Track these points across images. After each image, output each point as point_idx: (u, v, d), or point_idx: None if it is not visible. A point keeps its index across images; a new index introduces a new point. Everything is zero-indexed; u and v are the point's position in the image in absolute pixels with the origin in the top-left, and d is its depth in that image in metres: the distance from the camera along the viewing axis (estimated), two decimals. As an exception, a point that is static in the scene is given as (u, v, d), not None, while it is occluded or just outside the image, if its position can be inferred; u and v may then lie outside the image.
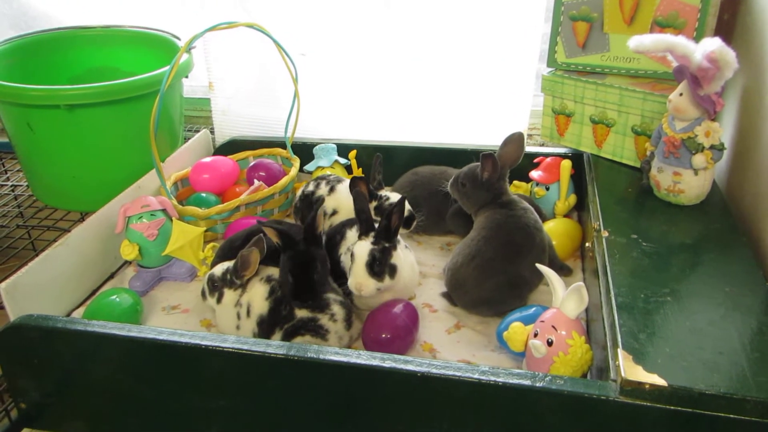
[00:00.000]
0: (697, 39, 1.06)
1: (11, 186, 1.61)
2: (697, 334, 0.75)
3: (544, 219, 1.17)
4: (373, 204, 1.17)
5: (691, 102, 0.99)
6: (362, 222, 1.00)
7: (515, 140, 1.12)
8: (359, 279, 0.96)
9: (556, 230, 1.17)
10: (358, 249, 0.97)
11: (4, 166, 1.72)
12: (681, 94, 1.00)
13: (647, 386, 0.68)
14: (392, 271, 0.98)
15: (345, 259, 1.05)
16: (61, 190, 1.36)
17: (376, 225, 1.00)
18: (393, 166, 1.33)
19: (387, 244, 0.98)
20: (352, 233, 1.08)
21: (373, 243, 0.97)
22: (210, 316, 1.07)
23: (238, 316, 0.99)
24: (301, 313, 0.95)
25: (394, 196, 1.17)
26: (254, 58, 1.53)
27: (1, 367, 0.92)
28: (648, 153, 1.09)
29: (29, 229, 1.50)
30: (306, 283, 0.95)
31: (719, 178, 1.16)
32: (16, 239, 1.51)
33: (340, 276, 1.03)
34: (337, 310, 0.96)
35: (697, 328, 0.76)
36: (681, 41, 0.96)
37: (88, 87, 1.21)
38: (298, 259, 0.96)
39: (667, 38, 0.96)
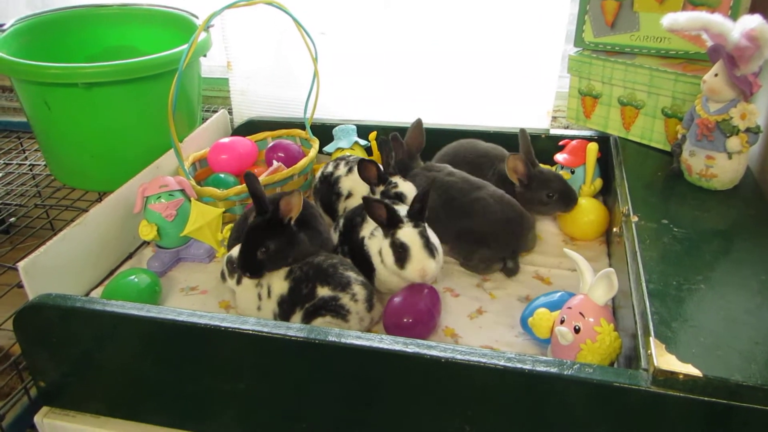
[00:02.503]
0: (732, 17, 1.01)
1: (29, 165, 1.61)
2: (733, 323, 0.72)
3: (573, 198, 1.14)
4: (380, 188, 1.14)
5: (726, 83, 0.95)
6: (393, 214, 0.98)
7: (416, 126, 1.23)
8: (425, 262, 0.95)
9: (583, 210, 1.14)
10: (406, 236, 0.96)
11: (22, 146, 1.72)
12: (716, 75, 0.96)
13: (681, 376, 0.65)
14: (437, 250, 0.99)
15: (371, 243, 1.02)
16: (78, 170, 1.35)
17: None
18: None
19: (425, 225, 0.98)
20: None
21: (415, 226, 0.96)
22: (228, 298, 1.06)
23: (259, 297, 0.98)
24: (323, 292, 0.93)
25: (402, 184, 1.14)
26: (273, 37, 1.50)
27: (20, 345, 0.92)
28: (679, 136, 1.05)
29: (47, 208, 1.50)
30: (247, 255, 0.95)
31: (752, 162, 1.13)
32: (34, 218, 1.51)
33: (363, 260, 1.01)
34: (358, 290, 0.94)
35: (732, 316, 0.73)
36: (718, 19, 0.92)
37: (106, 65, 1.19)
38: (252, 229, 0.95)
39: (703, 16, 0.92)
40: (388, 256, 0.97)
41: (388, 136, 1.19)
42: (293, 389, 0.82)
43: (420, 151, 1.24)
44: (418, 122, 1.24)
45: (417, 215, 0.98)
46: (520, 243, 1.10)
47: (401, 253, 0.95)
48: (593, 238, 1.15)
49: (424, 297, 0.94)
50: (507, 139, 1.29)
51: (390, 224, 0.97)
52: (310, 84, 1.39)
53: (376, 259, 1.00)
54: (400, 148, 1.21)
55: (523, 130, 1.17)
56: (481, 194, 1.10)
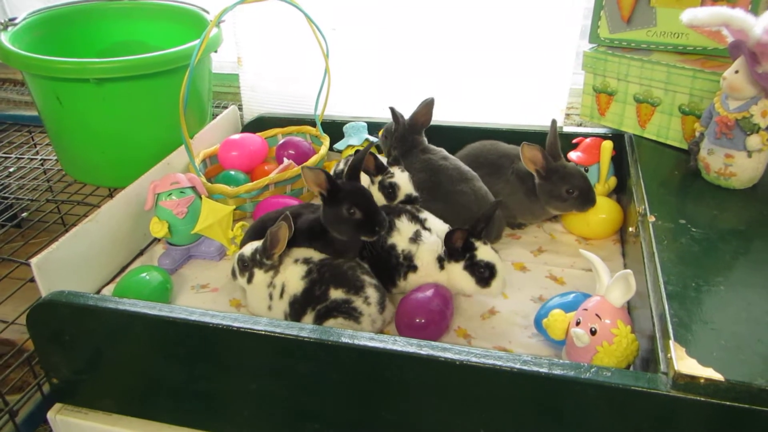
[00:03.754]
0: (753, 11, 0.99)
1: (40, 160, 1.61)
2: (755, 326, 0.71)
3: (592, 199, 1.12)
4: (378, 178, 1.12)
5: (747, 80, 0.93)
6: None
7: (427, 104, 1.21)
8: (504, 276, 0.96)
9: (596, 208, 1.12)
10: (487, 255, 0.95)
11: (33, 140, 1.72)
12: (737, 72, 0.94)
13: (702, 380, 0.64)
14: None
15: (418, 249, 0.99)
16: (89, 165, 1.35)
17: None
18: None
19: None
20: (403, 225, 1.01)
21: (485, 243, 0.96)
22: (239, 296, 1.06)
23: (270, 297, 0.97)
24: (336, 294, 0.92)
25: (398, 174, 1.12)
26: (284, 32, 1.49)
27: (33, 342, 0.92)
28: (697, 134, 1.04)
29: (59, 203, 1.50)
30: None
31: (771, 161, 1.10)
32: (46, 213, 1.51)
33: (390, 267, 1.00)
34: (371, 293, 0.93)
35: (753, 318, 0.72)
36: (739, 14, 0.90)
37: (117, 60, 1.19)
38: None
39: (725, 11, 0.90)
40: (466, 279, 0.95)
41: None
42: (305, 390, 0.81)
43: (425, 128, 1.23)
44: (430, 101, 1.22)
45: (479, 233, 0.97)
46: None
47: (484, 273, 0.94)
48: (605, 237, 1.14)
49: (437, 297, 0.93)
50: (520, 137, 1.27)
51: (465, 248, 0.96)
52: (320, 80, 1.38)
53: (423, 261, 0.98)
54: (399, 120, 1.21)
55: (553, 121, 1.13)
56: (465, 187, 1.10)
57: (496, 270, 0.95)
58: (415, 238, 0.99)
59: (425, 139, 1.22)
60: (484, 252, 0.95)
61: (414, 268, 0.99)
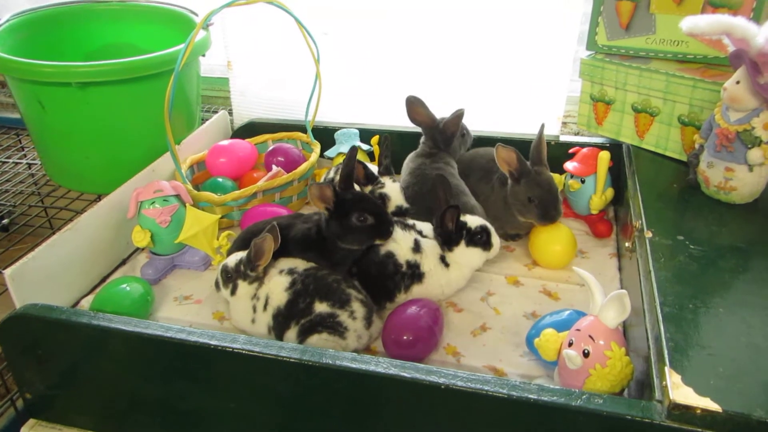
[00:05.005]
0: (755, 19, 0.97)
1: (26, 164, 1.58)
2: (755, 352, 0.68)
3: (550, 215, 1.06)
4: (368, 188, 1.11)
5: (749, 91, 0.90)
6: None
7: (456, 115, 1.18)
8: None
9: (552, 239, 1.07)
10: (475, 222, 0.99)
11: (21, 143, 1.69)
12: (738, 82, 0.91)
13: (698, 411, 0.61)
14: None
15: (423, 257, 0.98)
16: (73, 171, 1.32)
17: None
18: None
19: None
20: (398, 235, 0.99)
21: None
22: (223, 308, 1.02)
23: (254, 309, 0.94)
24: (320, 308, 0.89)
25: (389, 185, 1.11)
26: (275, 37, 1.46)
27: (5, 356, 0.88)
28: (696, 146, 1.01)
29: (46, 208, 1.47)
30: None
31: (773, 175, 1.07)
32: (32, 217, 1.48)
33: (386, 281, 0.97)
34: (357, 307, 0.90)
35: (754, 344, 0.69)
36: (741, 23, 0.87)
37: (101, 64, 1.15)
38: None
39: (726, 19, 0.87)
40: (474, 253, 0.98)
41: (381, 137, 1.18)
42: (286, 410, 0.78)
43: (453, 137, 1.20)
44: (461, 113, 1.19)
45: (482, 244, 1.00)
46: None
47: (483, 237, 0.98)
48: (556, 267, 1.08)
49: (426, 313, 0.90)
50: (515, 145, 1.24)
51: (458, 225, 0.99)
52: (311, 86, 1.35)
53: (430, 265, 0.98)
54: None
55: (542, 126, 1.09)
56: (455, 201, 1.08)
57: (488, 227, 0.99)
58: (417, 247, 0.98)
59: (462, 150, 1.24)
60: (470, 220, 0.99)
61: (420, 277, 0.97)
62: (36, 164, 1.57)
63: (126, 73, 1.17)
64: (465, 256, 0.98)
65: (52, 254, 0.98)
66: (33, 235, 1.38)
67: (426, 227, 1.02)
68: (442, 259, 0.98)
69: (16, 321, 0.84)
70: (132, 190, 1.10)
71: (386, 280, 0.97)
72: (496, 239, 1.00)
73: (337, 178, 1.17)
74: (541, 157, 1.08)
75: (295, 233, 0.99)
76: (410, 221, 1.03)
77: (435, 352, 0.91)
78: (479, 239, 0.98)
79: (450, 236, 0.98)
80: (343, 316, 0.89)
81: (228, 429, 0.83)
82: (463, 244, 0.98)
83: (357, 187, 1.09)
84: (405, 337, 0.87)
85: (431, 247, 0.99)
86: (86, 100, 1.18)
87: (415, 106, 1.19)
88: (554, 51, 1.31)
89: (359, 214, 0.93)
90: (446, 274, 0.98)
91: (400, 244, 0.98)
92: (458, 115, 1.18)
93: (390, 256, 0.97)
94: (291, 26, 1.27)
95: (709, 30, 0.89)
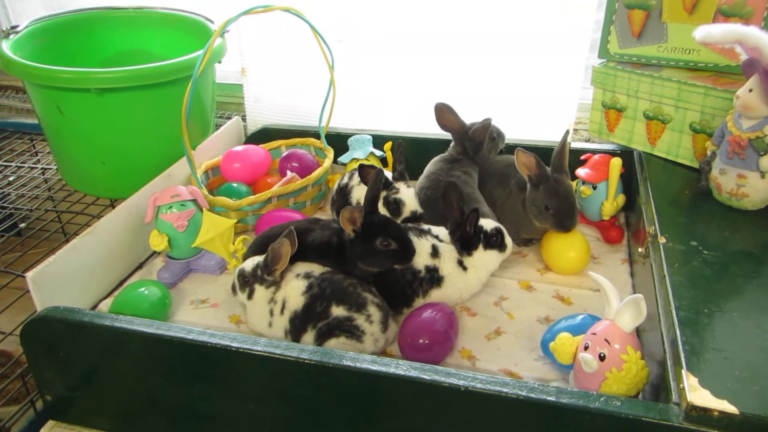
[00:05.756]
0: (767, 28, 0.98)
1: (41, 169, 1.59)
2: (770, 356, 0.68)
3: (566, 224, 1.07)
4: (383, 193, 1.12)
5: (761, 99, 0.91)
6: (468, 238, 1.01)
7: (483, 125, 1.20)
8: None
9: (567, 246, 1.08)
10: (489, 225, 1.01)
11: (35, 148, 1.71)
12: (750, 90, 0.92)
13: (716, 413, 0.62)
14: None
15: (441, 262, 1.00)
16: (90, 176, 1.33)
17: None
18: (431, 159, 1.27)
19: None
20: (415, 242, 0.99)
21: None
22: (239, 312, 1.04)
23: (271, 313, 0.95)
24: (337, 311, 0.90)
25: (404, 191, 1.12)
26: (289, 44, 1.48)
27: (27, 358, 0.90)
28: (708, 153, 1.02)
29: (59, 213, 1.48)
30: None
31: (784, 181, 1.08)
32: (47, 222, 1.49)
33: (404, 287, 0.98)
34: (373, 311, 0.91)
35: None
36: (754, 32, 0.88)
37: (119, 70, 1.17)
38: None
39: (739, 28, 0.89)
40: (491, 256, 1.01)
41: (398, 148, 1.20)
42: (305, 412, 0.79)
43: (482, 145, 1.22)
44: (488, 122, 1.21)
45: (498, 246, 1.02)
46: None
47: (498, 239, 1.01)
48: (570, 273, 1.09)
49: (441, 317, 0.91)
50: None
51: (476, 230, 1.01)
52: (325, 92, 1.36)
53: (449, 268, 0.99)
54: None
55: (566, 132, 1.08)
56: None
57: (501, 228, 1.02)
58: (435, 252, 0.99)
59: (493, 155, 1.25)
60: (485, 223, 1.01)
61: (439, 281, 0.98)
62: (50, 169, 1.58)
63: (144, 80, 1.18)
64: (483, 258, 1.00)
65: (71, 258, 0.99)
66: (47, 240, 1.40)
67: (441, 232, 1.03)
68: (460, 263, 0.99)
69: (39, 323, 0.85)
70: (149, 195, 1.11)
71: (405, 288, 0.98)
72: (509, 240, 1.03)
73: (351, 183, 1.20)
74: (562, 164, 1.07)
75: (313, 238, 1.00)
76: (425, 226, 1.04)
77: (450, 355, 0.92)
78: (495, 241, 1.01)
79: (470, 240, 0.99)
80: (359, 320, 0.90)
81: (247, 430, 0.84)
82: (481, 247, 1.00)
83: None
84: (421, 341, 0.88)
85: (449, 251, 1.00)
86: (104, 106, 1.20)
87: (444, 113, 1.21)
88: (566, 59, 1.32)
89: (383, 239, 0.94)
90: (464, 277, 0.99)
91: (417, 251, 0.98)
92: (485, 125, 1.19)
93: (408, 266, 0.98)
94: (305, 33, 1.28)
95: (722, 39, 0.90)
